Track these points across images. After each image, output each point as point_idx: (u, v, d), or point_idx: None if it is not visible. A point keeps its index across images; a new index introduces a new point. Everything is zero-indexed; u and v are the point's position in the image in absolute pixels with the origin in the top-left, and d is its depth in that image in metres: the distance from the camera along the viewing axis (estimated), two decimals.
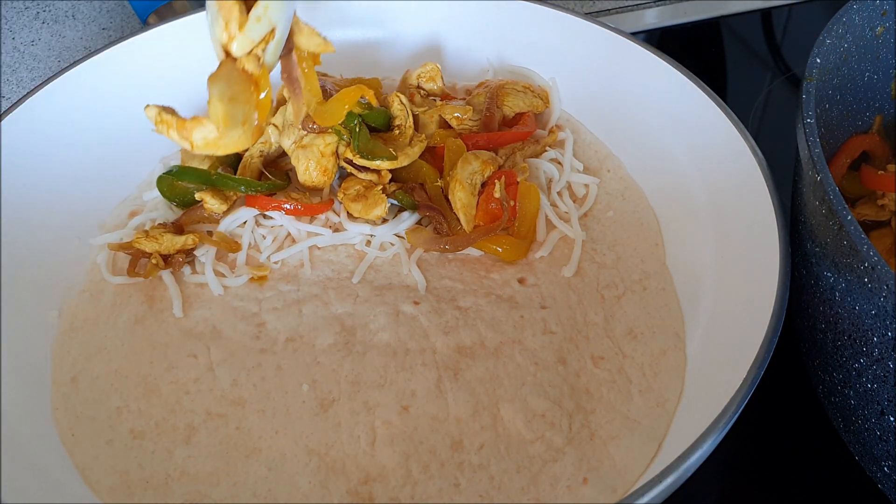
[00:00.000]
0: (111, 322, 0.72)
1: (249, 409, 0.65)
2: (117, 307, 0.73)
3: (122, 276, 0.75)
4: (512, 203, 0.75)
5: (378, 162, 0.74)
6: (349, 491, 0.61)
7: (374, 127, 0.77)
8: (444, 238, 0.74)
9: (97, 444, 0.64)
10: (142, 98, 0.86)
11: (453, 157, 0.76)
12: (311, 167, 0.75)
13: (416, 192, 0.76)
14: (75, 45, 1.15)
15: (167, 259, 0.74)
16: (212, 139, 0.64)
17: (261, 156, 0.79)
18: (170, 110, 0.65)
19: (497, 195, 0.74)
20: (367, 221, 0.76)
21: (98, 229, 0.80)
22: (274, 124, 0.79)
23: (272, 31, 0.62)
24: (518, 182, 0.76)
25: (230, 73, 0.62)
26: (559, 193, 0.80)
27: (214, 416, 0.65)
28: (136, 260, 0.75)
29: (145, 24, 1.08)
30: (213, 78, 0.62)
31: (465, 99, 0.85)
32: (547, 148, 0.83)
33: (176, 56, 0.89)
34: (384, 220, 0.76)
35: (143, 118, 0.86)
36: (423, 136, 0.78)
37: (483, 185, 0.76)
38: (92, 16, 1.20)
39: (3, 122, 0.77)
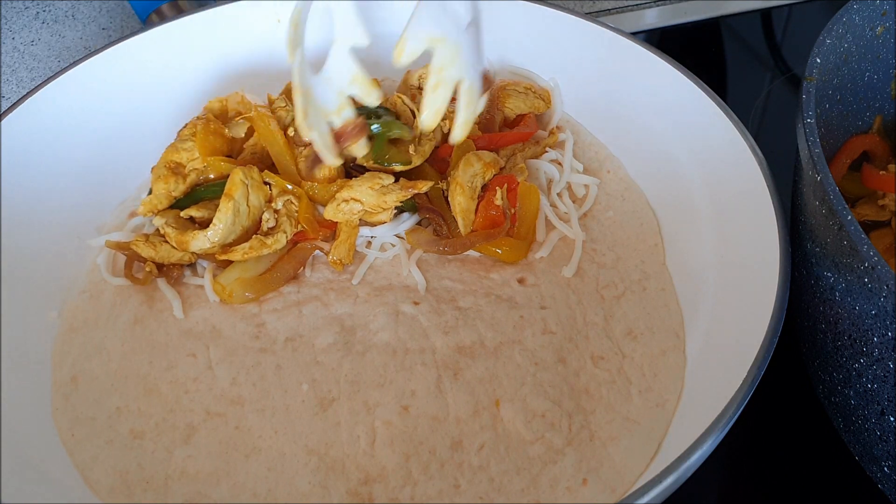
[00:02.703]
0: (111, 322, 0.72)
1: (248, 409, 0.65)
2: (117, 307, 0.73)
3: (121, 277, 0.75)
4: (513, 211, 0.75)
5: (394, 166, 0.75)
6: (349, 491, 0.61)
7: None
8: (444, 241, 0.74)
9: (97, 444, 0.64)
10: (142, 98, 0.87)
11: (461, 153, 0.76)
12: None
13: (417, 194, 0.76)
14: (75, 45, 1.15)
15: (161, 268, 0.74)
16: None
17: (252, 156, 0.79)
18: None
19: (498, 202, 0.73)
20: (367, 223, 0.76)
21: (97, 230, 0.80)
22: None
23: None
24: (518, 183, 0.76)
25: None
26: (559, 194, 0.80)
27: (214, 415, 0.65)
28: (132, 262, 0.74)
29: (145, 24, 1.08)
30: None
31: None
32: (547, 149, 0.83)
33: (176, 56, 0.89)
34: (383, 221, 0.76)
35: (142, 118, 0.87)
36: (432, 133, 0.77)
37: (484, 188, 0.76)
38: (92, 16, 1.20)
39: (3, 122, 0.77)
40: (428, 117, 0.63)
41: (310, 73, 0.63)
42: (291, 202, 0.74)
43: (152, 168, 0.76)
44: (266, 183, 0.74)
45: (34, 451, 0.63)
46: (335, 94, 0.66)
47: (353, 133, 0.67)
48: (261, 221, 0.73)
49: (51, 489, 0.61)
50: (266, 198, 0.74)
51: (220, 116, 0.81)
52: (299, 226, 0.74)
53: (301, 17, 0.62)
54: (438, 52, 0.61)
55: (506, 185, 0.74)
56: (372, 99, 0.68)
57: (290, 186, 0.74)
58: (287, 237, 0.73)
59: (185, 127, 0.78)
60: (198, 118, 0.78)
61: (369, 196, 0.72)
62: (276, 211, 0.73)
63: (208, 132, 0.76)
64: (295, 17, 0.61)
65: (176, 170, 0.75)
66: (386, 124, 0.75)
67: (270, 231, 0.73)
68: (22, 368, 0.68)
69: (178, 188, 0.75)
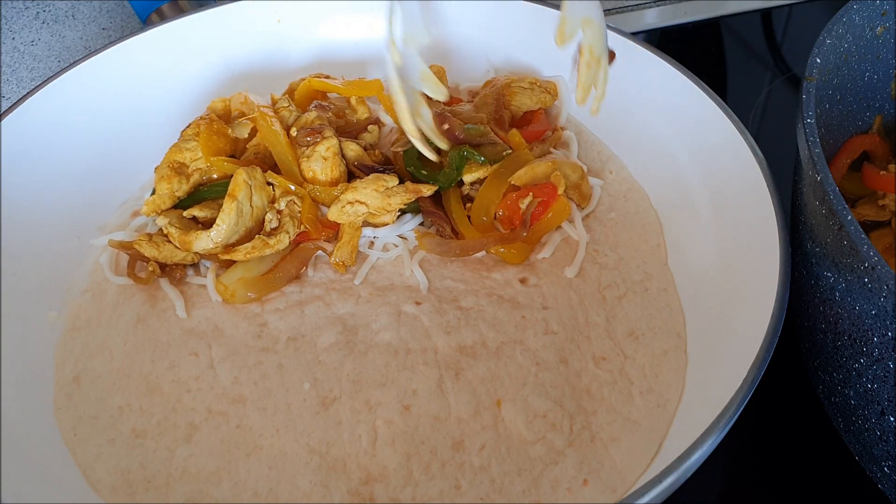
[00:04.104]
0: (113, 321, 0.72)
1: (250, 407, 0.65)
2: (119, 306, 0.73)
3: (124, 277, 0.75)
4: (529, 224, 0.74)
5: (424, 186, 0.75)
6: (350, 491, 0.61)
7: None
8: (456, 244, 0.74)
9: (99, 444, 0.64)
10: (143, 98, 0.87)
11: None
12: (318, 170, 0.75)
13: (421, 198, 0.76)
14: (75, 45, 1.15)
15: (164, 267, 0.74)
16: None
17: (255, 156, 0.79)
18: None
19: (522, 207, 0.73)
20: (371, 224, 0.76)
21: (100, 230, 0.80)
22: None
23: None
24: (557, 198, 0.75)
25: None
26: None
27: (215, 413, 0.65)
28: (135, 261, 0.75)
29: (145, 24, 1.08)
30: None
31: (470, 101, 0.85)
32: (552, 149, 0.83)
33: (176, 56, 0.89)
34: (386, 223, 0.76)
35: (143, 118, 0.87)
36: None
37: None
38: (92, 16, 1.20)
39: (3, 122, 0.77)
40: (581, 94, 0.68)
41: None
42: (294, 203, 0.74)
43: (156, 168, 0.76)
44: (269, 183, 0.74)
45: (36, 450, 0.63)
46: (409, 91, 0.69)
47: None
48: (264, 222, 0.73)
49: (52, 488, 0.61)
50: (269, 198, 0.74)
51: (223, 116, 0.81)
52: (302, 226, 0.74)
53: (391, 20, 0.65)
54: (587, 32, 0.65)
55: (530, 196, 0.74)
56: (440, 95, 0.70)
57: (293, 187, 0.74)
58: (290, 237, 0.73)
59: (188, 127, 0.78)
60: (201, 118, 0.78)
61: (374, 198, 0.73)
62: (279, 211, 0.74)
63: (211, 132, 0.76)
64: (388, 20, 0.65)
65: (179, 170, 0.75)
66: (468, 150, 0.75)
67: (273, 231, 0.73)
68: (24, 367, 0.68)
69: (182, 188, 0.75)
